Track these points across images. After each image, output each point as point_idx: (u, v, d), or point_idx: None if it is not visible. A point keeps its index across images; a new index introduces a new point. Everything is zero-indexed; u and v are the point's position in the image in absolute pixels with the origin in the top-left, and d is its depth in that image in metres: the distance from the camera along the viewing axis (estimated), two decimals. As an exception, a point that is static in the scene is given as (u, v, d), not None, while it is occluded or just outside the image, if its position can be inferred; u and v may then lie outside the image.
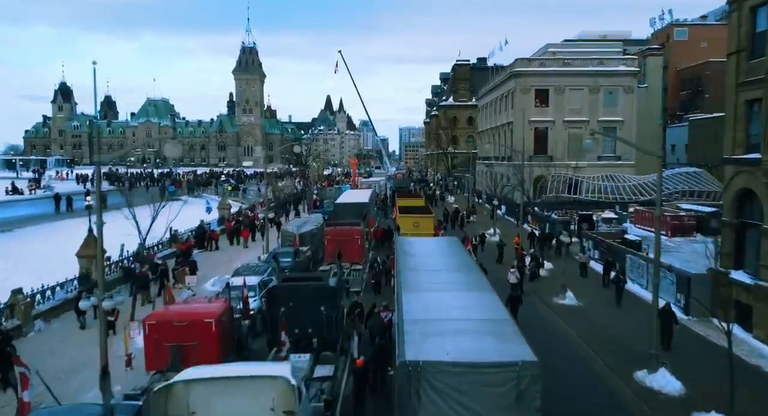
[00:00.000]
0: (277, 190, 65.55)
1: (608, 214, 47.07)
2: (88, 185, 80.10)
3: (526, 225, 49.75)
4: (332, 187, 61.62)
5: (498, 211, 61.39)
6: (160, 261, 27.57)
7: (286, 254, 28.57)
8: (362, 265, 29.22)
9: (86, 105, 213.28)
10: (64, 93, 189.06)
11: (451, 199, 76.02)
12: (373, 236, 39.50)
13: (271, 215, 40.09)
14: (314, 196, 55.98)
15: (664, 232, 43.07)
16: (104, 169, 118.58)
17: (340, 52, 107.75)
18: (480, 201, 69.97)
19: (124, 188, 71.79)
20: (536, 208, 49.58)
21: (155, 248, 32.01)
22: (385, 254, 32.60)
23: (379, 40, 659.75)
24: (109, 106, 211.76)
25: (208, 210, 40.49)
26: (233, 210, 49.32)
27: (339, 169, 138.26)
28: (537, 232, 40.83)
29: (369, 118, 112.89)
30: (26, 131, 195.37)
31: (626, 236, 34.59)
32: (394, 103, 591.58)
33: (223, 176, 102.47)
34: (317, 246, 32.32)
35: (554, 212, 47.76)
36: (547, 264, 32.37)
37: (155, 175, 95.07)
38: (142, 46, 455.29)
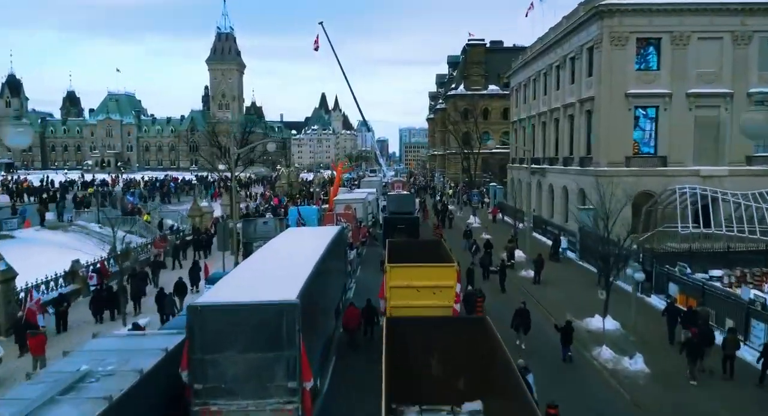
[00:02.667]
0: (196, 214, 40.07)
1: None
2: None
3: (654, 299, 24.33)
4: (269, 219, 34.04)
5: (562, 250, 36.24)
6: None
7: None
8: None
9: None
10: (12, 86, 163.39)
11: (473, 219, 50.74)
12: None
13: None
14: (238, 238, 29.30)
15: None
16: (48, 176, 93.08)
17: (321, 23, 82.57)
18: (521, 225, 44.31)
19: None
20: (679, 263, 24.13)
21: None
22: None
23: (379, 42, 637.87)
24: (71, 102, 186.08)
25: None
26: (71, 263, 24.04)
27: (327, 173, 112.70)
28: None
29: (357, 103, 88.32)
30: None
31: None
32: (394, 104, 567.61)
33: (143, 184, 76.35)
34: None
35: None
36: None
37: (67, 183, 69.71)
38: (145, 49, 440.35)
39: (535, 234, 43.76)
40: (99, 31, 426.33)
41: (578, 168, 37.06)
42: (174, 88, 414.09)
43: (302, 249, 18.14)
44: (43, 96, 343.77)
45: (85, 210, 40.51)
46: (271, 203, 58.28)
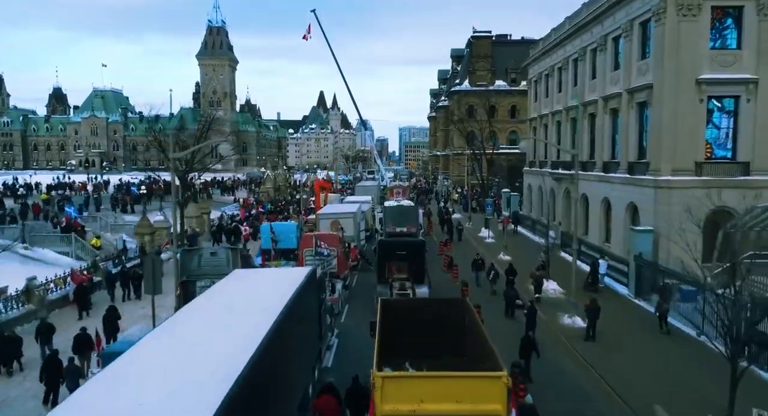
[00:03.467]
0: (146, 230, 32.11)
1: None
2: None
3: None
4: (220, 249, 24.77)
5: (600, 276, 28.56)
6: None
7: None
8: None
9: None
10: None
11: (485, 233, 43.14)
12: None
13: None
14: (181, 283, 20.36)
15: None
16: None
17: (313, 11, 74.75)
18: (548, 244, 36.31)
19: None
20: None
21: None
22: None
23: (379, 40, 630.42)
24: (57, 99, 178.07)
25: None
26: None
27: (322, 175, 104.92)
28: None
29: (352, 98, 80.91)
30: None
31: None
32: (394, 104, 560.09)
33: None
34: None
35: None
36: None
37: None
38: (144, 49, 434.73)
39: (563, 254, 36.00)
40: (99, 30, 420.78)
41: (627, 176, 29.17)
42: (173, 87, 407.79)
43: (239, 317, 10.29)
44: (37, 95, 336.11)
45: (10, 225, 32.60)
46: (252, 212, 50.47)
